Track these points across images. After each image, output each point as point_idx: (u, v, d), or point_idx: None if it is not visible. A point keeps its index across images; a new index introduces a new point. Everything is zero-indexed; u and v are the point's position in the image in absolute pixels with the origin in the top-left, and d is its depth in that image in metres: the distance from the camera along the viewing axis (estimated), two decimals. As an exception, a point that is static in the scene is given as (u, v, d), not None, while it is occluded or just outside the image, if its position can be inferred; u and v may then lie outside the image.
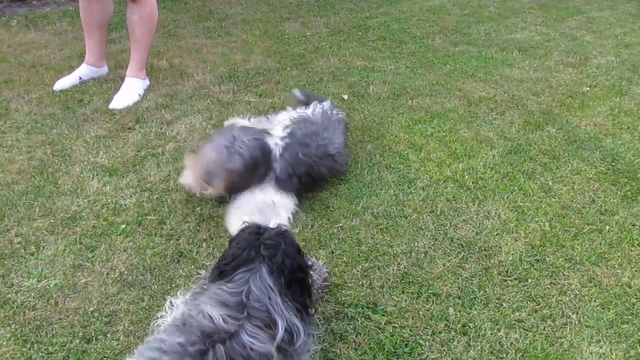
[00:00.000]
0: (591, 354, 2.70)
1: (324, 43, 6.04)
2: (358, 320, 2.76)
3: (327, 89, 4.85)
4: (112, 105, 4.51)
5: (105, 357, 2.48)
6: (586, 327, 2.84)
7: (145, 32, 4.62)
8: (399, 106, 4.68)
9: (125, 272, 2.95)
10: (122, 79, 4.79)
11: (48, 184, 3.59)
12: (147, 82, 4.87)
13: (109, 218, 3.31)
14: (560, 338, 2.78)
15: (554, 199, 3.69)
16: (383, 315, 2.79)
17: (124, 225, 3.25)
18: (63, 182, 3.60)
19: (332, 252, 3.14)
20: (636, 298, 3.02)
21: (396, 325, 2.75)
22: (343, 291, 2.91)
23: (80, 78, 4.93)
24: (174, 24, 6.47)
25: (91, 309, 2.72)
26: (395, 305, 2.85)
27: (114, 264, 2.99)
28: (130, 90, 4.66)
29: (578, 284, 3.08)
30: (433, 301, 2.90)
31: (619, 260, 3.25)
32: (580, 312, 2.92)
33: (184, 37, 6.14)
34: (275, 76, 5.17)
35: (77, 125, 4.24)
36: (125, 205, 3.41)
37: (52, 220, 3.28)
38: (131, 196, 3.48)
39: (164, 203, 3.44)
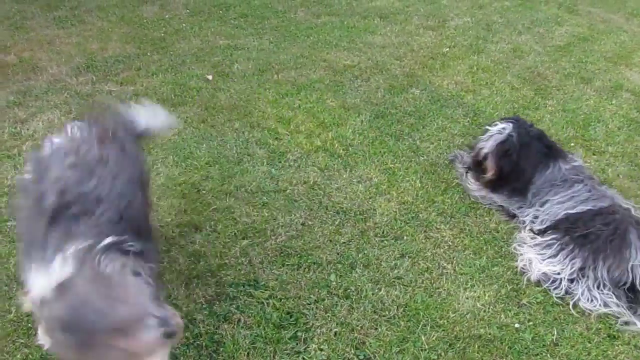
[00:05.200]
0: (467, 298, 2.82)
1: (184, 25, 5.84)
2: (240, 299, 2.71)
3: (190, 71, 4.70)
4: (-46, 110, 4.14)
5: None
6: (461, 274, 2.96)
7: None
8: (264, 82, 4.62)
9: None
10: (-36, 79, 4.41)
11: None
12: (-6, 80, 4.51)
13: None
14: (438, 288, 2.87)
15: (422, 157, 3.80)
16: (265, 290, 2.76)
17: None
18: None
19: (208, 235, 3.06)
20: (504, 241, 3.19)
21: (279, 298, 2.73)
22: (223, 272, 2.85)
23: None
24: (20, 15, 6.00)
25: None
26: (277, 279, 2.83)
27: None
28: (-25, 91, 4.29)
29: (451, 236, 3.19)
30: (314, 270, 2.90)
31: (486, 209, 3.41)
32: (454, 261, 3.03)
33: (33, 28, 5.72)
34: (135, 62, 4.94)
35: None
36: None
37: None
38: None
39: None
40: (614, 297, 2.80)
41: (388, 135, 4.00)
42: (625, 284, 2.84)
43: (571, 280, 2.90)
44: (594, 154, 3.97)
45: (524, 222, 3.27)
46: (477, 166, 3.45)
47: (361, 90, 4.58)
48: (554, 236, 3.02)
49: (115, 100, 4.21)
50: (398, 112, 4.30)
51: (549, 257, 2.97)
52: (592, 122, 4.36)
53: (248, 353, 2.47)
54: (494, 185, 3.40)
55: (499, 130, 3.37)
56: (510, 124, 3.37)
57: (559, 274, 2.91)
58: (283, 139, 3.89)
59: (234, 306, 2.68)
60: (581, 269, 2.90)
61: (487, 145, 3.36)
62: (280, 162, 3.66)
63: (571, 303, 2.84)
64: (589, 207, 3.03)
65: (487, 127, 3.48)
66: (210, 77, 4.63)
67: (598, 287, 2.84)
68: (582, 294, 2.85)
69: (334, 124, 4.10)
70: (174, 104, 4.21)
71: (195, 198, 3.31)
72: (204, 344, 2.49)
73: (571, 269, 2.90)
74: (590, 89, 4.87)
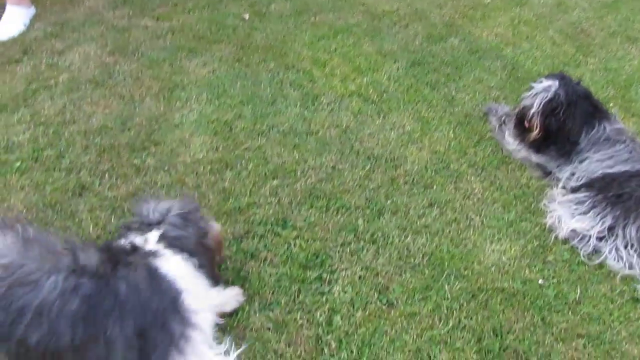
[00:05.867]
0: (493, 251, 2.83)
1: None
2: (268, 238, 2.76)
3: (227, 10, 4.64)
4: (-6, 36, 4.17)
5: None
6: (488, 227, 2.96)
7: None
8: (301, 23, 4.56)
9: (24, 210, 2.79)
10: (4, 7, 4.40)
11: None
12: (33, 10, 4.50)
13: (1, 156, 3.09)
14: (465, 240, 2.88)
15: (457, 108, 3.75)
16: (293, 231, 2.80)
17: (18, 163, 3.04)
18: (-56, 120, 3.34)
19: (239, 173, 3.09)
20: (534, 197, 3.17)
21: (306, 239, 2.76)
22: (252, 210, 2.88)
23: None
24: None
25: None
26: (305, 220, 2.86)
27: (10, 204, 2.82)
28: (14, 20, 4.29)
29: (481, 188, 3.18)
30: (342, 214, 2.92)
31: (518, 163, 3.37)
32: (482, 214, 3.03)
33: (71, -42, 5.71)
34: (173, -2, 4.91)
35: (-47, 58, 3.90)
36: (19, 141, 3.19)
37: None
38: (24, 132, 3.25)
39: (61, 136, 3.24)
40: (638, 257, 2.79)
41: (423, 84, 3.95)
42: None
43: (600, 239, 2.88)
44: (632, 116, 3.88)
45: (559, 179, 3.24)
46: (521, 124, 3.38)
47: (399, 37, 4.50)
48: (586, 193, 2.99)
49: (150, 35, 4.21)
50: (435, 61, 4.22)
51: (579, 214, 2.95)
52: (635, 83, 4.24)
53: (273, 291, 2.53)
54: (538, 145, 3.33)
55: (545, 87, 3.27)
56: (557, 81, 3.27)
57: (588, 230, 2.90)
58: (317, 81, 3.86)
59: (261, 244, 2.72)
60: (610, 228, 2.88)
61: (533, 103, 3.27)
62: (313, 104, 3.65)
63: (597, 261, 2.84)
64: (627, 168, 2.99)
65: (532, 84, 3.38)
66: (246, 17, 4.58)
67: (626, 247, 2.82)
68: (610, 253, 2.84)
69: (369, 70, 4.05)
70: (209, 41, 4.19)
71: (228, 136, 3.33)
72: (230, 279, 2.54)
73: (601, 226, 2.88)
74: (635, 49, 4.72)
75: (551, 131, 3.25)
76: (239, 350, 2.20)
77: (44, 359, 1.85)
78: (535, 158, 3.34)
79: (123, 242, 2.09)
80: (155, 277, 1.97)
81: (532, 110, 3.26)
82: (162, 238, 2.08)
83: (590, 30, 4.92)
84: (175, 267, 2.04)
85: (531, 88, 3.36)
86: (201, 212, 2.29)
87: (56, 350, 1.82)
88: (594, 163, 3.12)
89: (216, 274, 2.30)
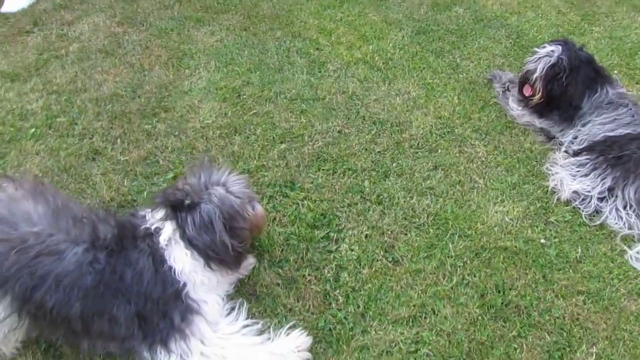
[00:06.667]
0: (496, 212, 2.90)
1: None
2: (277, 199, 2.84)
3: (234, -20, 4.71)
4: (4, 9, 4.21)
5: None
6: (491, 189, 3.03)
7: None
8: (307, -7, 4.61)
9: (40, 174, 2.87)
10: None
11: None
12: (41, -20, 4.56)
13: (16, 124, 3.17)
14: (468, 201, 2.95)
15: (461, 75, 3.80)
16: (301, 192, 2.88)
17: (33, 129, 3.12)
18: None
19: (248, 138, 3.16)
20: (536, 161, 3.23)
21: (314, 200, 2.84)
22: (260, 173, 2.96)
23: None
24: None
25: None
26: (312, 182, 2.94)
27: (27, 168, 2.90)
28: (24, -8, 4.36)
29: (484, 152, 3.24)
30: (348, 176, 3.00)
31: (522, 128, 3.43)
32: (486, 177, 3.09)
33: None
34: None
35: (-33, 30, 3.96)
36: (32, 109, 3.27)
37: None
38: (37, 100, 3.33)
39: (74, 104, 3.32)
40: (637, 219, 2.86)
41: (429, 52, 3.99)
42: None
43: (600, 200, 2.95)
44: (637, 83, 3.91)
45: (562, 142, 3.30)
46: (522, 89, 3.43)
47: (404, 6, 4.53)
48: (588, 156, 3.05)
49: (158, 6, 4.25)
50: (440, 30, 4.26)
51: (581, 176, 3.01)
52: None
53: (282, 249, 2.61)
54: (541, 110, 3.39)
55: (548, 52, 3.32)
56: (560, 47, 3.31)
57: (589, 192, 2.96)
58: (324, 49, 3.91)
59: (270, 205, 2.80)
60: (610, 188, 2.95)
61: (536, 67, 3.32)
62: (320, 71, 3.70)
63: (598, 222, 2.91)
64: (628, 131, 3.05)
65: (536, 49, 3.42)
66: (253, -14, 4.62)
67: (625, 208, 2.89)
68: (610, 213, 2.91)
69: (374, 38, 4.09)
70: (217, 11, 4.23)
71: (236, 102, 3.39)
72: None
73: (602, 187, 2.95)
74: (641, 18, 4.74)
75: (554, 96, 3.30)
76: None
77: (56, 323, 1.98)
78: (538, 123, 3.40)
79: (147, 217, 2.15)
80: (161, 268, 2.04)
81: (535, 75, 3.31)
82: (179, 229, 2.10)
83: (596, -2, 4.94)
84: (183, 259, 2.08)
85: (534, 53, 3.40)
86: (247, 195, 2.27)
87: (67, 318, 1.94)
88: (597, 126, 3.17)
89: (244, 251, 2.27)
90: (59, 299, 1.89)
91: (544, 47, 3.38)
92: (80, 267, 1.90)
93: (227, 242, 2.11)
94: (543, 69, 3.28)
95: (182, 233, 2.09)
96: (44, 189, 2.05)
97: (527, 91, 3.38)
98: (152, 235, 2.08)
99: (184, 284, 2.08)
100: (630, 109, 3.17)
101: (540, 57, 3.33)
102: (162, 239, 2.07)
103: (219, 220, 2.09)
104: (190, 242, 2.09)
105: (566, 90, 3.26)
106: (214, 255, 2.12)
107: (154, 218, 2.13)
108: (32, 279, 1.86)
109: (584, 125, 3.22)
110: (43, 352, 2.18)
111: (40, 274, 1.86)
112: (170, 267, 2.06)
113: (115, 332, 2.02)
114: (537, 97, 3.33)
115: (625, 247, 2.80)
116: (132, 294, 1.99)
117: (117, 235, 2.02)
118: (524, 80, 3.40)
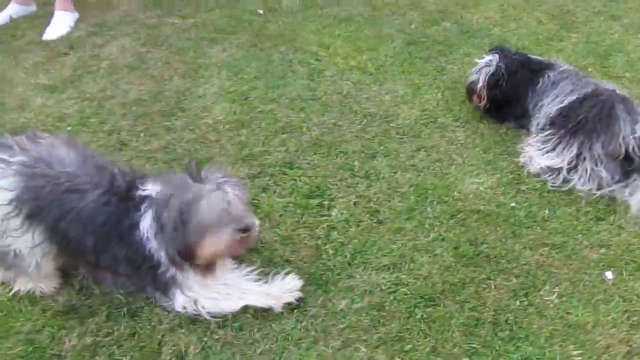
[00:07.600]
0: (472, 183, 3.27)
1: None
2: (277, 176, 3.26)
3: (244, 6, 5.22)
4: (45, 37, 4.78)
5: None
6: (469, 165, 3.41)
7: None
8: (310, 16, 5.10)
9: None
10: (52, 14, 5.04)
11: (-7, 103, 3.93)
12: (76, 14, 5.13)
13: (55, 124, 3.67)
14: (447, 174, 3.33)
15: (446, 76, 4.23)
16: (298, 170, 3.30)
17: (69, 128, 3.63)
18: (8, 101, 3.92)
19: (253, 130, 3.61)
20: (512, 142, 3.60)
21: (309, 176, 3.26)
22: (264, 156, 3.39)
23: (11, 17, 5.16)
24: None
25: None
26: (309, 163, 3.36)
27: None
28: (61, 23, 4.93)
29: (464, 136, 3.64)
30: (340, 157, 3.42)
31: (500, 117, 3.83)
32: (464, 155, 3.48)
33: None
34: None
35: (14, 55, 4.51)
36: (68, 113, 3.78)
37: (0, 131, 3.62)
38: (73, 106, 3.84)
39: (104, 107, 3.83)
40: (607, 172, 3.17)
41: (417, 58, 4.44)
42: (619, 156, 3.18)
43: (569, 170, 3.25)
44: (610, 78, 4.25)
45: (531, 131, 3.61)
46: (471, 98, 3.79)
47: (396, 23, 5.01)
48: (550, 131, 3.38)
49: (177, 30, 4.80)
50: (428, 41, 4.71)
51: (547, 152, 3.34)
52: (614, 52, 4.63)
53: (281, 214, 3.01)
54: (496, 115, 3.74)
55: (487, 62, 3.67)
56: (497, 55, 3.67)
57: (558, 165, 3.27)
58: (322, 59, 4.39)
59: (271, 181, 3.22)
60: (578, 154, 3.24)
61: (479, 77, 3.67)
62: (318, 77, 4.17)
63: (566, 188, 3.24)
64: (574, 97, 3.37)
65: (477, 60, 3.78)
66: (261, 12, 5.15)
67: (596, 165, 3.19)
68: (580, 179, 3.22)
69: (368, 49, 4.56)
70: (228, 32, 4.76)
71: (243, 103, 3.87)
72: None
73: (569, 157, 3.25)
74: (618, 25, 5.10)
75: (499, 100, 3.66)
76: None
77: (75, 250, 2.37)
78: (504, 124, 3.76)
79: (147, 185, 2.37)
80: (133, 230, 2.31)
81: (479, 85, 3.67)
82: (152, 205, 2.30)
83: (576, 10, 5.33)
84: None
85: (475, 64, 3.76)
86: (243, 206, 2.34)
87: (82, 248, 2.33)
88: (548, 106, 3.49)
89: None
90: (78, 232, 2.27)
91: (483, 57, 3.76)
92: (96, 207, 2.26)
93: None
94: (485, 78, 3.65)
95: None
96: (75, 141, 2.50)
97: (476, 100, 3.76)
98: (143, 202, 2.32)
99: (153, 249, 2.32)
100: (571, 79, 3.50)
101: (480, 68, 3.70)
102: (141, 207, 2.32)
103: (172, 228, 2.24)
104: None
105: (509, 93, 3.63)
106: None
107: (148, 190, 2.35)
108: (60, 210, 2.24)
109: (539, 110, 3.55)
110: (76, 292, 2.59)
111: (67, 208, 2.24)
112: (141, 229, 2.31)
113: (119, 269, 2.38)
114: (483, 103, 3.71)
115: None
116: (123, 244, 2.32)
117: (127, 187, 2.35)
118: (470, 91, 3.77)
